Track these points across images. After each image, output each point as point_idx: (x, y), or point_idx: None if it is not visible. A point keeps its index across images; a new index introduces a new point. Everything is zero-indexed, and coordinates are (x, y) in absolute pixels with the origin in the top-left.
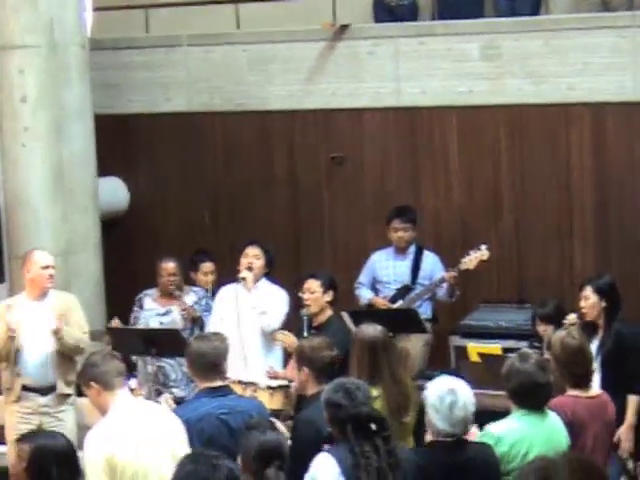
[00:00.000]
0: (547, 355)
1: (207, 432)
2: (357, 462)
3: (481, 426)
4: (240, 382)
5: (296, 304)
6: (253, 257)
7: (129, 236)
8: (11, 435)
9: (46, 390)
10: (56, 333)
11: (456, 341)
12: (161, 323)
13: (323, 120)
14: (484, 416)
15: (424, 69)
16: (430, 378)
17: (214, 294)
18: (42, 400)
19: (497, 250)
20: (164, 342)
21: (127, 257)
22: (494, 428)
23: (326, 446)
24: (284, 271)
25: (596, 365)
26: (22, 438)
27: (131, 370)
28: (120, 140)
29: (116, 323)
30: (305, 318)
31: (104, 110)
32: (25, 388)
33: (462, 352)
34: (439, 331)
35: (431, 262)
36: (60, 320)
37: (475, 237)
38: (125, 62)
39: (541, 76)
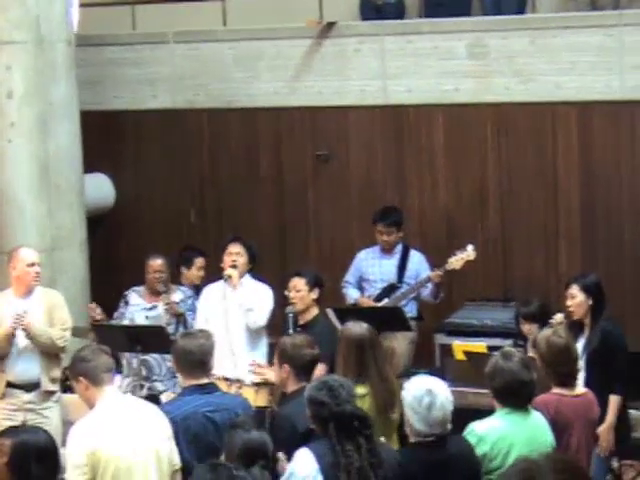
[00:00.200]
0: (531, 353)
1: (193, 429)
2: (337, 461)
3: (465, 424)
4: (225, 379)
5: (282, 302)
6: (236, 255)
7: (115, 233)
8: None
9: (30, 387)
10: (24, 330)
11: (441, 339)
12: (147, 317)
13: (309, 118)
14: (469, 414)
15: (410, 67)
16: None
17: (199, 290)
18: (26, 397)
19: (483, 249)
20: (149, 339)
21: (113, 254)
22: (478, 427)
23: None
24: (270, 269)
25: (582, 363)
26: (3, 433)
27: (117, 366)
28: (106, 137)
29: (93, 308)
30: (291, 316)
31: (90, 106)
32: (9, 385)
33: (447, 350)
34: (424, 329)
35: (417, 261)
36: (26, 317)
37: (461, 236)
38: (111, 58)
39: (528, 75)
